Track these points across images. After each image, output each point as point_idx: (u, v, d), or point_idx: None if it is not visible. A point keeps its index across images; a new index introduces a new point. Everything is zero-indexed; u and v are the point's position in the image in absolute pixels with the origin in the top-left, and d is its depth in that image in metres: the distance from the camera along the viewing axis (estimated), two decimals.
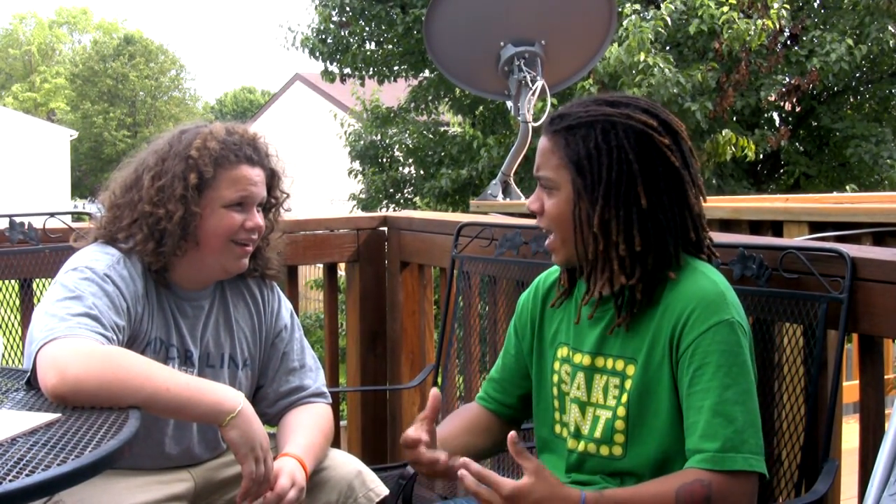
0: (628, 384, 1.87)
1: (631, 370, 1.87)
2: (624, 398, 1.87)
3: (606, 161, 1.82)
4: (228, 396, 1.93)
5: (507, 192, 4.95)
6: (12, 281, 3.06)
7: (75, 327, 1.88)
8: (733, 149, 10.30)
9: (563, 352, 1.99)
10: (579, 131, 1.85)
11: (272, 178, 2.24)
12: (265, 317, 2.30)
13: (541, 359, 2.05)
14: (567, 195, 1.86)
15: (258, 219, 2.17)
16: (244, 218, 2.15)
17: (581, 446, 1.93)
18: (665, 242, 1.83)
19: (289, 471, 2.05)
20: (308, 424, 2.21)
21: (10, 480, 1.39)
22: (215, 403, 1.90)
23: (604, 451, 1.90)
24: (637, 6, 10.60)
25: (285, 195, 2.30)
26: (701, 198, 1.91)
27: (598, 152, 1.83)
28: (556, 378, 2.00)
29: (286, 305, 2.37)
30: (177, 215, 2.09)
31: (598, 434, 1.90)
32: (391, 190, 13.99)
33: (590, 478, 1.92)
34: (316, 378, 2.34)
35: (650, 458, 1.85)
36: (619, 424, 1.88)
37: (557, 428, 2.00)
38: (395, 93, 14.52)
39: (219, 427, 1.92)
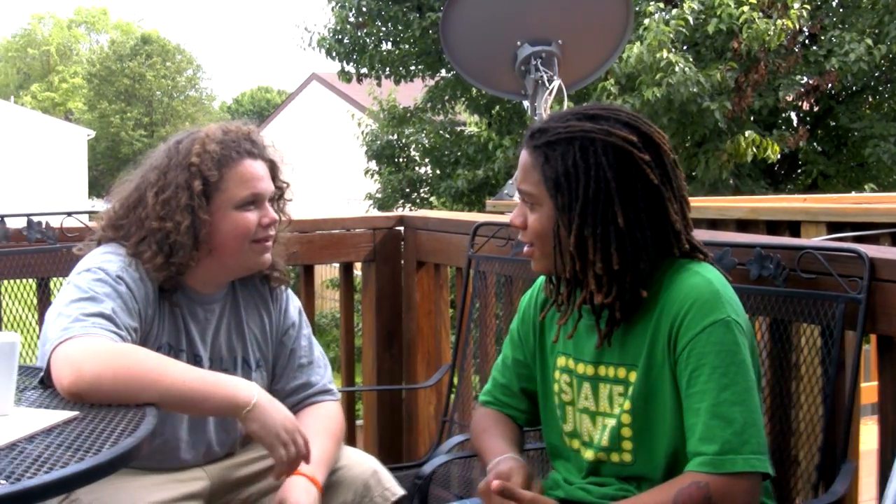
0: (631, 390, 1.86)
1: (633, 376, 1.86)
2: (627, 405, 1.86)
3: (584, 179, 1.80)
4: (243, 389, 1.92)
5: None
6: (30, 280, 3.07)
7: (90, 327, 1.89)
8: (755, 150, 10.25)
9: (562, 361, 1.98)
10: (558, 148, 1.82)
11: (273, 169, 2.23)
12: (274, 314, 2.30)
13: (543, 366, 2.04)
14: (549, 211, 1.85)
15: (272, 213, 2.17)
16: (259, 215, 2.15)
17: (591, 454, 1.92)
18: (640, 261, 1.81)
19: (294, 500, 2.05)
20: (318, 430, 2.19)
21: (29, 477, 1.40)
22: (230, 397, 1.90)
23: (614, 458, 1.90)
24: (661, 4, 10.57)
25: (286, 184, 2.28)
26: (685, 208, 1.88)
27: (576, 170, 1.80)
28: (556, 387, 1.99)
29: (294, 302, 2.37)
30: (184, 225, 2.07)
31: (605, 442, 1.90)
32: (407, 189, 14.01)
33: (605, 479, 1.92)
34: (323, 374, 2.34)
35: (660, 462, 1.85)
36: (626, 431, 1.87)
37: (565, 437, 1.99)
38: (411, 92, 14.54)
39: (239, 420, 1.93)
